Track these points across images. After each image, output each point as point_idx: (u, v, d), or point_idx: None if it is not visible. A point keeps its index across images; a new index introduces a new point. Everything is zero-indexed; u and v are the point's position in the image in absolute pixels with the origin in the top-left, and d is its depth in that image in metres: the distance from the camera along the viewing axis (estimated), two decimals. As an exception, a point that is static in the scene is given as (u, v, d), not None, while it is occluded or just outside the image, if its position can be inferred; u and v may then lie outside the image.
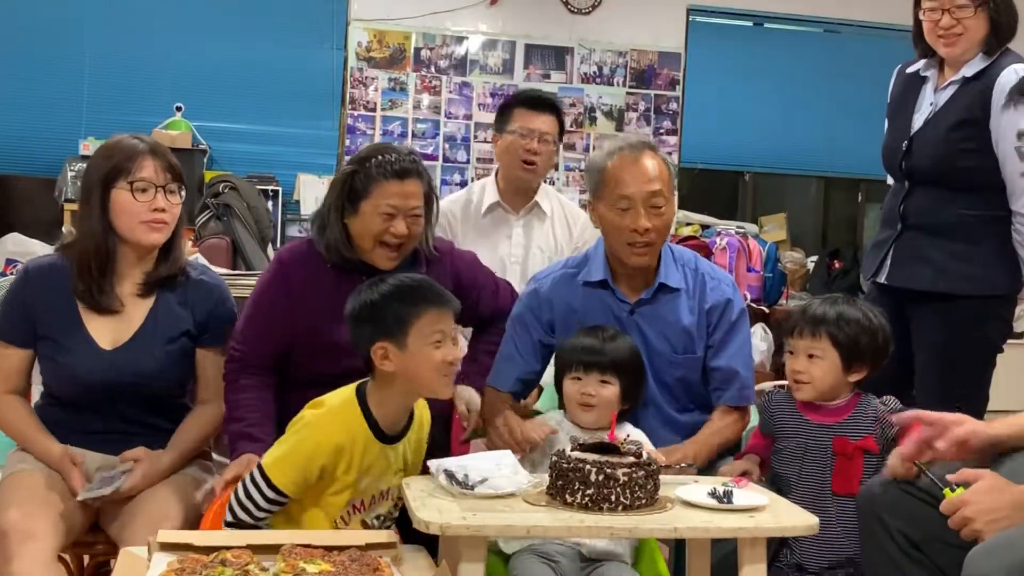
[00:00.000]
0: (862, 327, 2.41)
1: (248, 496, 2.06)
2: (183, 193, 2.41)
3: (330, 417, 2.08)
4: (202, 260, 4.28)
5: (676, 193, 2.64)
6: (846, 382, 2.43)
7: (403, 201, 2.44)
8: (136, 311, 2.38)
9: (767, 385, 5.25)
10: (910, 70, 3.02)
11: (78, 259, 2.36)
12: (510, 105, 3.38)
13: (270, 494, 2.05)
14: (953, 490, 1.99)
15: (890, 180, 3.11)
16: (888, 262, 2.95)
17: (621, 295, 2.57)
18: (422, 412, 2.23)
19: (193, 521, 2.24)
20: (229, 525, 2.07)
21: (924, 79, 2.97)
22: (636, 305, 2.56)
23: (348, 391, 2.13)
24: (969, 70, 2.84)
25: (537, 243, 3.37)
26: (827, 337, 2.40)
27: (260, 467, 2.07)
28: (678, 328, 2.55)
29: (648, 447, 2.30)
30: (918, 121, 2.93)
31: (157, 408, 2.41)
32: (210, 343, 2.46)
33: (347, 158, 2.62)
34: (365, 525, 2.13)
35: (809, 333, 2.42)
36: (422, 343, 2.06)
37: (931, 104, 2.92)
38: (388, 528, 2.15)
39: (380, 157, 2.47)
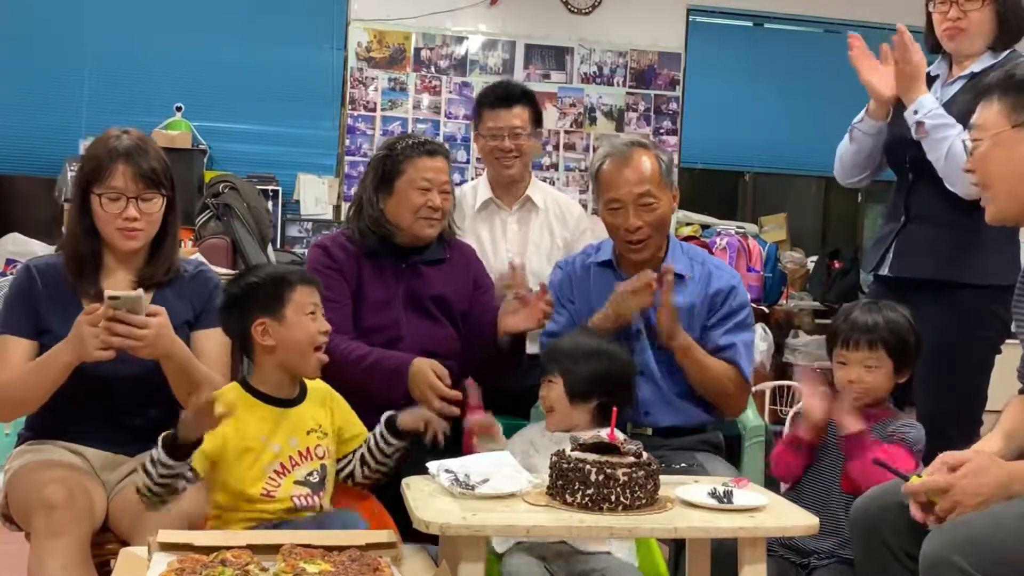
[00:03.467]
0: (906, 331, 2.49)
1: (154, 464, 2.09)
2: (165, 195, 2.37)
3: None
4: (202, 260, 4.31)
5: (674, 185, 2.72)
6: (892, 386, 2.50)
7: (436, 175, 2.69)
8: None
9: (767, 386, 5.26)
10: None
11: (67, 257, 2.39)
12: (479, 105, 3.41)
13: (167, 461, 2.08)
14: (919, 476, 2.01)
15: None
16: (891, 255, 2.96)
17: (625, 278, 2.64)
18: (317, 383, 2.33)
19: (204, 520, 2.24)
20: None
21: (933, 79, 2.98)
22: None
23: (228, 384, 2.28)
24: (977, 67, 2.86)
25: (533, 238, 3.38)
26: (883, 347, 2.46)
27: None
28: (681, 310, 2.61)
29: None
30: None
31: (156, 402, 2.39)
32: (205, 325, 2.44)
33: (373, 152, 2.93)
34: (299, 484, 2.19)
35: (866, 345, 2.47)
36: (299, 314, 2.22)
37: (937, 99, 2.93)
38: (325, 480, 2.23)
39: (408, 140, 2.75)
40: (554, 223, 3.42)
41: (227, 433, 2.15)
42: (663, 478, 2.06)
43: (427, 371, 2.50)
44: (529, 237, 3.38)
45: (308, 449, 2.22)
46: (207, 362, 2.41)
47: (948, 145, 2.75)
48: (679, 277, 2.63)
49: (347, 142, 6.45)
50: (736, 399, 2.67)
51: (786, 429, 4.58)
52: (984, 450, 2.10)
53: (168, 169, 2.39)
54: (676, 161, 6.92)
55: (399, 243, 2.72)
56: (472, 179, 5.02)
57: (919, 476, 2.03)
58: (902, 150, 2.97)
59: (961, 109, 2.84)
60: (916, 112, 2.82)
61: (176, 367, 2.28)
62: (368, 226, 2.71)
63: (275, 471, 2.17)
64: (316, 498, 2.19)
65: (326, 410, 2.30)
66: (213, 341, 2.42)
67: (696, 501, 2.01)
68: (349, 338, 2.62)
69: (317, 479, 2.21)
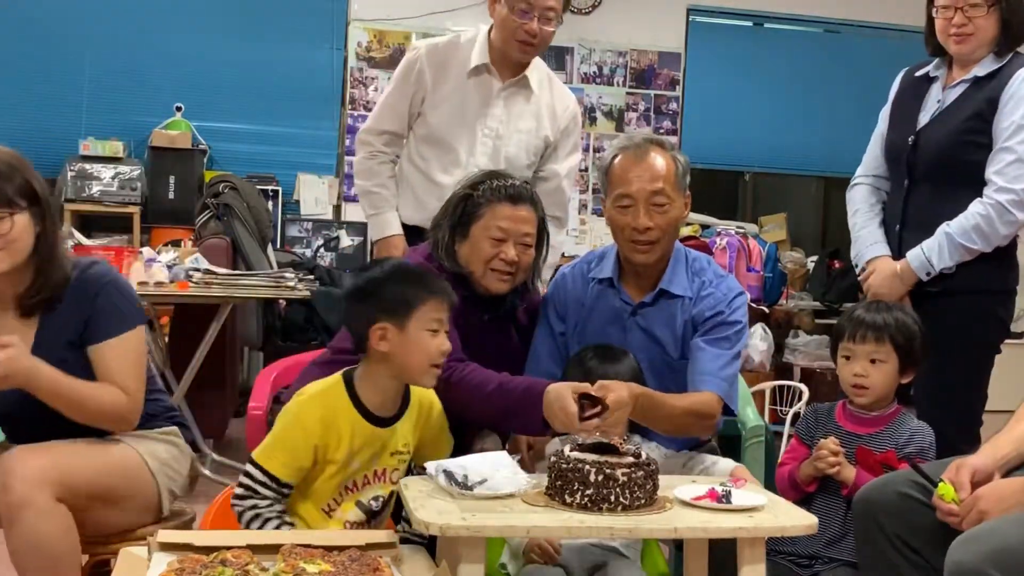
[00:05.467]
0: (914, 332, 2.50)
1: (251, 491, 2.05)
2: (13, 212, 2.14)
3: (314, 400, 2.09)
4: (202, 260, 4.31)
5: (687, 191, 2.65)
6: (896, 386, 2.49)
7: (514, 225, 2.43)
8: (24, 337, 2.20)
9: (767, 385, 5.26)
10: (918, 74, 3.02)
11: None
12: None
13: (262, 478, 2.04)
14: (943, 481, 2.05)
15: (856, 180, 3.21)
16: None
17: (626, 296, 2.55)
18: (423, 394, 2.20)
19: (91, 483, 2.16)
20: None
21: (932, 80, 2.97)
22: (638, 307, 2.53)
23: (335, 377, 2.13)
24: (981, 70, 2.84)
25: (516, 123, 3.14)
26: (890, 342, 2.47)
27: (251, 459, 2.07)
28: (676, 334, 2.51)
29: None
30: (924, 119, 2.93)
31: (75, 428, 2.25)
32: (97, 338, 2.24)
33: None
34: (360, 506, 2.13)
35: (873, 338, 2.47)
36: (421, 328, 2.07)
37: (938, 102, 2.92)
38: (384, 511, 2.16)
39: (494, 182, 2.47)
40: (544, 115, 3.14)
41: (319, 445, 2.06)
42: (661, 478, 2.06)
43: (565, 397, 2.14)
44: (512, 121, 3.13)
45: (385, 471, 2.14)
46: (110, 377, 2.23)
47: (966, 238, 2.74)
48: (675, 297, 2.52)
49: (347, 142, 6.46)
50: (707, 427, 2.43)
51: (786, 430, 4.58)
52: (993, 456, 2.13)
53: (23, 182, 2.17)
54: (676, 161, 6.92)
55: (478, 292, 2.46)
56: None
57: (943, 481, 2.05)
58: (899, 154, 2.97)
59: (968, 110, 2.83)
60: (929, 274, 2.80)
61: (47, 394, 2.16)
62: (447, 265, 2.45)
63: (346, 487, 2.11)
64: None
65: (417, 428, 2.19)
66: (112, 352, 2.24)
67: (695, 501, 2.01)
68: (461, 359, 2.32)
69: (379, 506, 2.14)
